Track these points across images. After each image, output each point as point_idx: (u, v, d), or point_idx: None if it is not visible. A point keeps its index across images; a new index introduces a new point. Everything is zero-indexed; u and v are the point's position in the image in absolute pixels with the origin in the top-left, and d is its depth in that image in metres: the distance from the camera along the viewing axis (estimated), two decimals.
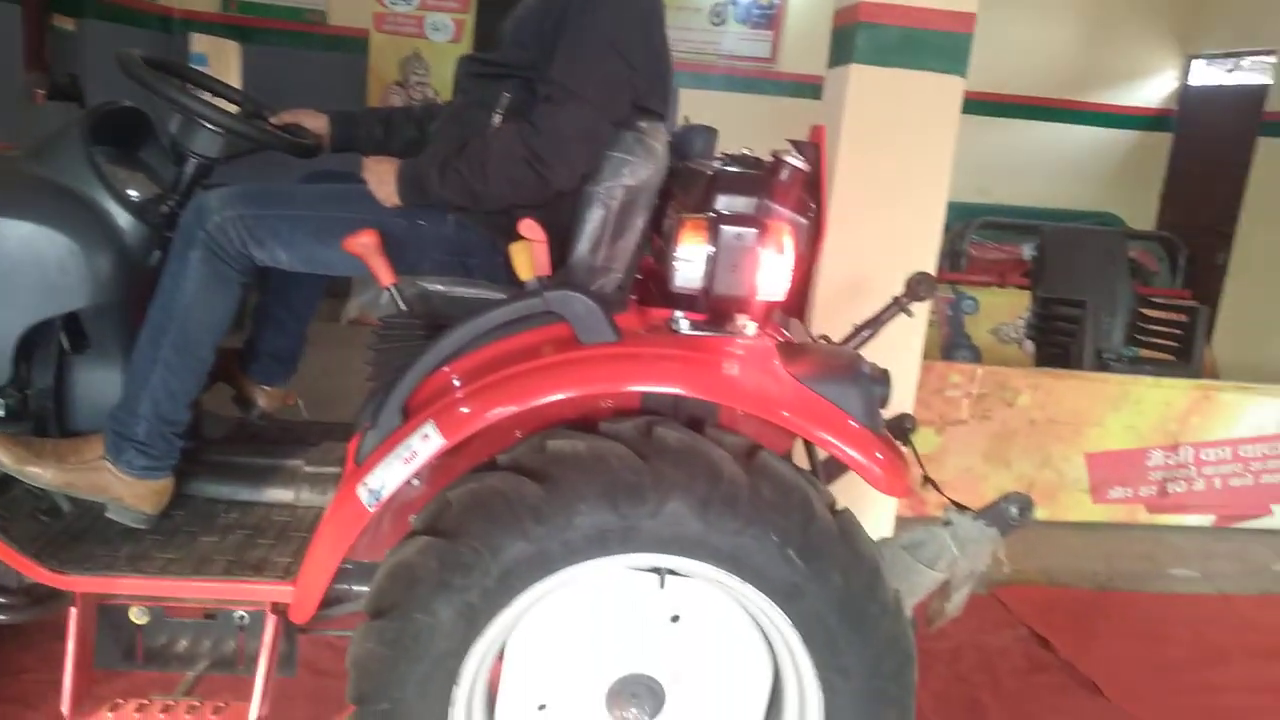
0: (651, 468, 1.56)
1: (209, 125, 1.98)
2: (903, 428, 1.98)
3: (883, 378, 1.72)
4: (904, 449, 1.84)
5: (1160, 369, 4.44)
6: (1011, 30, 7.25)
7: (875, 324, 2.14)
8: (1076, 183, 7.54)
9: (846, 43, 3.29)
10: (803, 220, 1.77)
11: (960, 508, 1.89)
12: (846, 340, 2.13)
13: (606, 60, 1.85)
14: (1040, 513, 1.90)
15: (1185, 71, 7.48)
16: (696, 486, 1.55)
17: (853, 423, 1.65)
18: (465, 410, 1.64)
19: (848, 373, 1.69)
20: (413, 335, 1.77)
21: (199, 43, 4.13)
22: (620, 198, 1.85)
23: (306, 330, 2.36)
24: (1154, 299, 5.11)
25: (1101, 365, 4.44)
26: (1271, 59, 6.50)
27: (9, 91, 4.95)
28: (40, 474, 1.85)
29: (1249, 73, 6.97)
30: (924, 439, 3.75)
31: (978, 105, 7.23)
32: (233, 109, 2.15)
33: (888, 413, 1.80)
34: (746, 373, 1.66)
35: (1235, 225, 6.36)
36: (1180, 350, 4.61)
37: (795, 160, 1.76)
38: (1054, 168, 7.51)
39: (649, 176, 1.87)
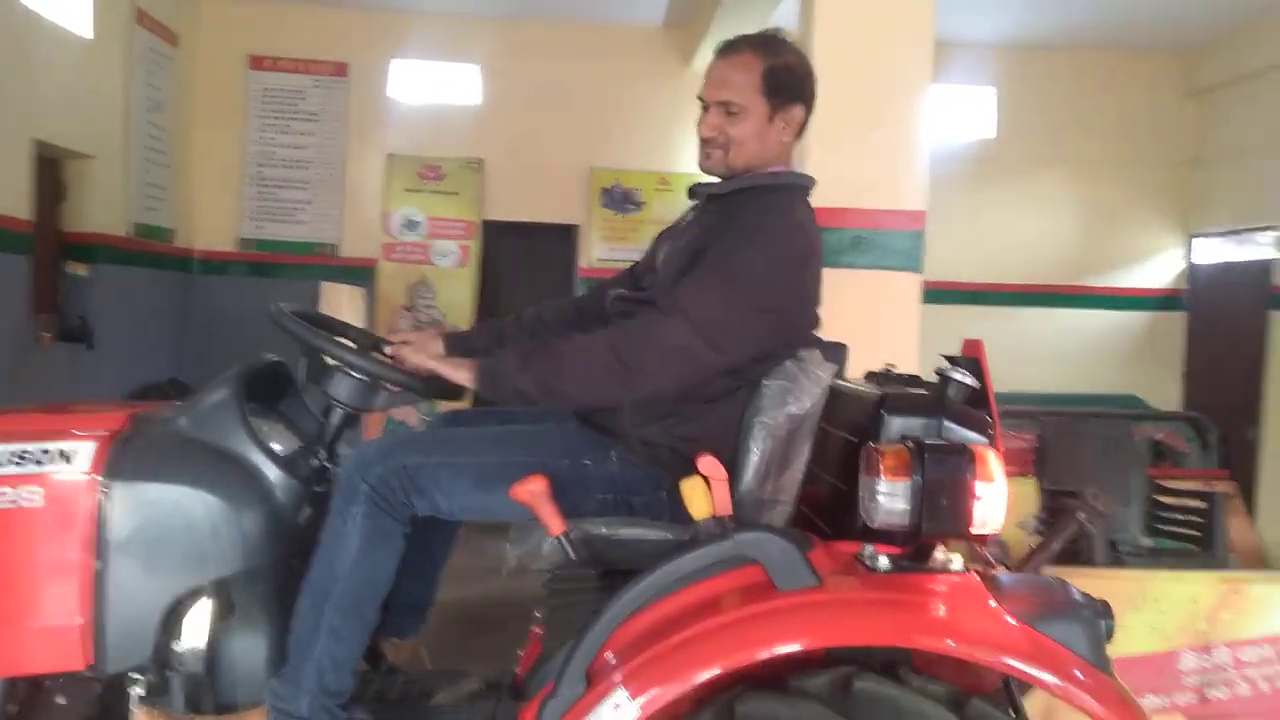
0: None
1: (363, 377, 1.98)
2: None
3: (1106, 610, 1.61)
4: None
5: (1181, 561, 4.18)
6: (1014, 223, 7.48)
7: (1054, 541, 2.03)
8: (1095, 366, 7.56)
9: None
10: (983, 439, 1.70)
11: None
12: (1024, 562, 2.03)
13: (732, 292, 1.83)
14: None
15: (1189, 251, 7.53)
16: None
17: (1085, 665, 1.52)
18: (661, 674, 1.51)
19: (1070, 607, 1.58)
20: (586, 588, 1.75)
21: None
22: (785, 426, 1.82)
23: (440, 576, 2.31)
24: (1165, 483, 4.87)
25: (1116, 560, 4.19)
26: (1273, 233, 6.53)
27: (15, 337, 5.16)
28: None
29: (1254, 247, 7.00)
30: None
31: (985, 296, 7.35)
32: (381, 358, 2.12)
33: None
34: (970, 617, 1.54)
35: (1260, 401, 6.19)
36: (1203, 539, 4.35)
37: (963, 377, 1.71)
38: (1070, 353, 7.58)
39: (813, 404, 1.84)
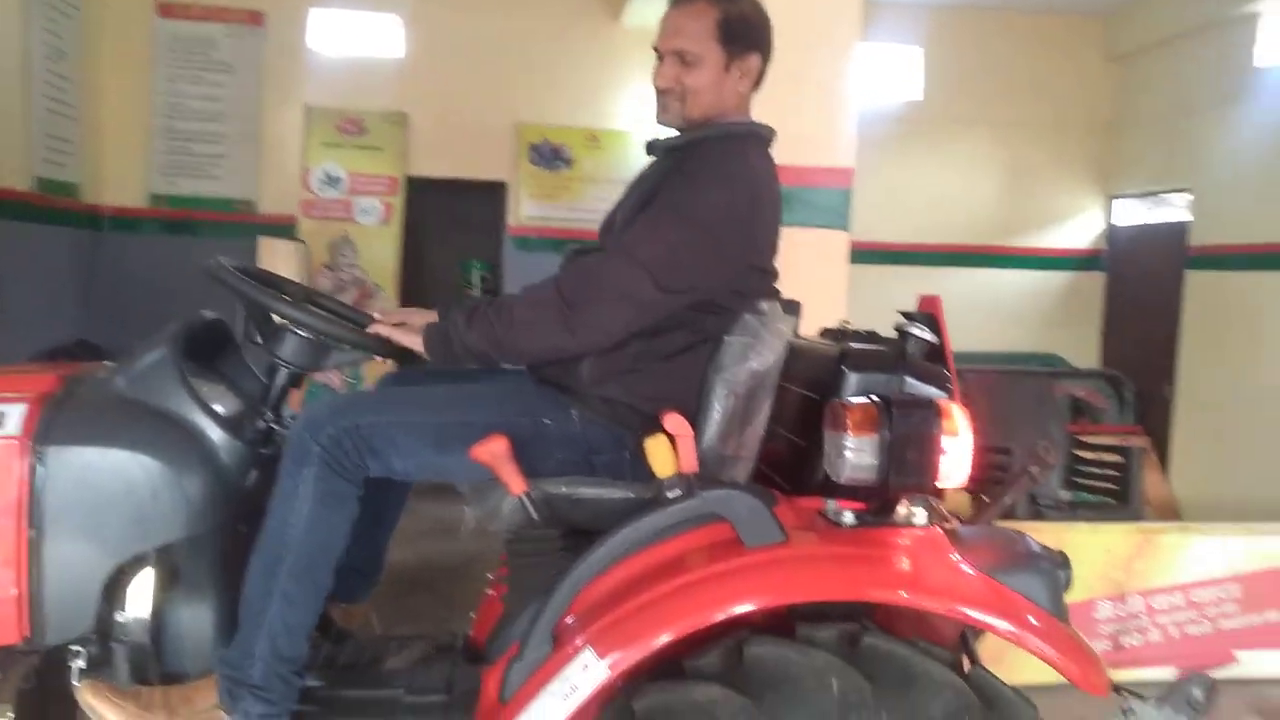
0: (876, 689, 1.46)
1: (315, 337, 1.91)
2: None
3: (1064, 561, 1.66)
4: None
5: (1097, 513, 4.35)
6: (938, 184, 7.56)
7: (1004, 494, 2.07)
8: (1017, 326, 7.74)
9: None
10: (943, 394, 1.74)
11: (1136, 695, 1.79)
12: (978, 515, 2.06)
13: (680, 231, 1.81)
14: None
15: (1109, 212, 7.72)
16: (929, 713, 1.46)
17: (1045, 615, 1.58)
18: (630, 633, 1.50)
19: (1030, 560, 1.64)
20: (549, 549, 1.72)
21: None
22: (747, 383, 1.80)
23: (391, 539, 2.27)
24: (1085, 439, 5.05)
25: (1037, 513, 4.35)
26: (1188, 196, 6.73)
27: None
28: None
29: (1170, 209, 7.21)
30: None
31: (908, 256, 7.46)
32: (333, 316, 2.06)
33: None
34: (936, 570, 1.57)
35: (1175, 359, 6.43)
36: (1120, 492, 4.53)
37: (922, 332, 1.74)
38: (992, 312, 7.72)
39: (775, 360, 1.83)
